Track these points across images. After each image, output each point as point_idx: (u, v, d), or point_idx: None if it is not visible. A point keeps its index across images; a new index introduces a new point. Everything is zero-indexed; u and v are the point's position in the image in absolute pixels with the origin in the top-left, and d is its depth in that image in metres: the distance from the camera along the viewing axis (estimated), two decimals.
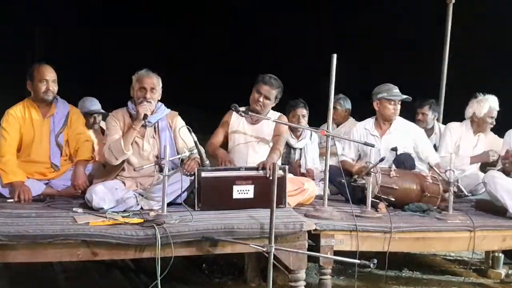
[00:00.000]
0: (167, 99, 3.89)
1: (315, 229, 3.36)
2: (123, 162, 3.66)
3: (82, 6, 14.51)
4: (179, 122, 3.85)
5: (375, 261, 2.90)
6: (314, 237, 3.41)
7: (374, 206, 3.84)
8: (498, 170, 4.23)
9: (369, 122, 4.62)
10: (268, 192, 2.91)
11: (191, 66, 15.01)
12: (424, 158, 4.55)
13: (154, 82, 3.71)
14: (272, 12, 15.61)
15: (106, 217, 3.18)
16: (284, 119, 4.18)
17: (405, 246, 3.65)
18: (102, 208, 3.34)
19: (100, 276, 4.12)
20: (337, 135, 4.29)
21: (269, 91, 4.03)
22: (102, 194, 3.39)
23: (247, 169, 3.70)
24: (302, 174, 4.57)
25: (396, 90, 4.45)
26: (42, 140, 3.88)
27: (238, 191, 3.59)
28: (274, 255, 2.94)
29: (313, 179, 4.45)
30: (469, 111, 4.96)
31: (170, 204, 3.41)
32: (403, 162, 4.31)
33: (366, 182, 3.72)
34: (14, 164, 3.74)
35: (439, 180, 4.07)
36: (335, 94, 5.20)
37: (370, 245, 3.49)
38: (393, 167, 4.12)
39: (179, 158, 3.54)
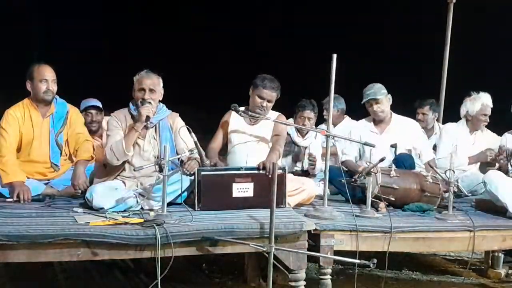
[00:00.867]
0: (167, 99, 3.90)
1: (315, 229, 3.36)
2: (124, 162, 3.67)
3: (82, 6, 14.51)
4: (180, 123, 3.85)
5: (375, 261, 2.90)
6: (314, 237, 3.41)
7: (374, 206, 3.85)
8: (497, 169, 4.23)
9: (369, 120, 4.62)
10: (267, 189, 2.91)
11: (191, 66, 15.01)
12: (421, 154, 4.54)
13: (153, 83, 3.71)
14: (272, 12, 15.61)
15: (106, 217, 3.18)
16: (283, 118, 4.18)
17: (405, 246, 3.65)
18: (102, 208, 3.35)
19: (100, 276, 4.12)
20: (337, 135, 4.28)
21: (271, 95, 4.03)
22: (102, 194, 3.40)
23: (247, 169, 3.70)
24: (304, 174, 4.58)
25: (369, 91, 4.40)
26: (42, 140, 3.88)
27: (237, 189, 3.60)
28: (274, 255, 2.95)
29: (314, 166, 4.48)
30: (463, 110, 4.98)
31: (170, 204, 3.42)
32: (403, 161, 4.31)
33: (366, 182, 3.72)
34: (14, 164, 3.74)
35: (438, 179, 4.07)
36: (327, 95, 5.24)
37: (370, 245, 3.49)
38: (393, 167, 4.12)
39: (179, 159, 3.55)
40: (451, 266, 4.83)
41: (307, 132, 4.76)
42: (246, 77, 4.31)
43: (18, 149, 3.84)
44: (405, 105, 4.65)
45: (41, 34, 14.50)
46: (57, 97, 3.98)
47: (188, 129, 3.67)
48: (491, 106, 4.90)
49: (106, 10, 14.85)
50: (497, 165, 4.32)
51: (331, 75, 3.52)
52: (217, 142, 4.17)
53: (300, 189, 3.90)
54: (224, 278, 4.24)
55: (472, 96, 4.92)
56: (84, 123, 4.22)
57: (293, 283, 3.32)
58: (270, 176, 3.37)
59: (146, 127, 3.70)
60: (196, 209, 3.52)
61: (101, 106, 4.63)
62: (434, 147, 5.01)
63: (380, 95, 4.40)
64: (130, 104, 3.78)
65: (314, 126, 4.80)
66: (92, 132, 4.49)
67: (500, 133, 4.74)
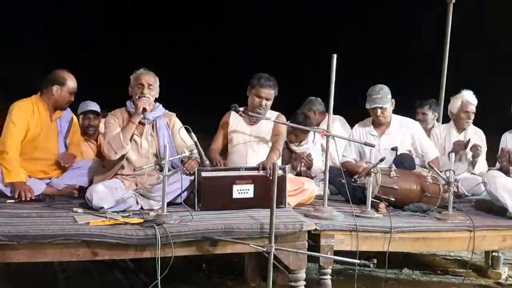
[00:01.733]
0: (168, 99, 3.90)
1: (315, 229, 3.36)
2: (122, 158, 3.66)
3: (82, 6, 14.52)
4: (177, 121, 3.88)
5: (375, 261, 2.90)
6: (314, 237, 3.41)
7: (374, 206, 3.84)
8: (498, 169, 4.23)
9: (368, 121, 4.62)
10: (268, 191, 2.91)
11: (191, 66, 15.01)
12: (423, 153, 4.54)
13: (151, 79, 3.74)
14: (272, 12, 15.61)
15: (106, 217, 3.19)
16: (283, 118, 4.18)
17: (405, 246, 3.64)
18: (102, 208, 3.35)
19: (100, 276, 4.12)
20: (337, 135, 4.28)
21: (269, 93, 4.04)
22: (102, 193, 3.40)
23: (247, 169, 3.70)
24: (302, 174, 4.57)
25: (375, 96, 4.38)
26: (49, 137, 3.92)
27: (238, 190, 3.60)
28: (274, 255, 2.94)
29: (311, 166, 4.49)
30: (448, 111, 5.03)
31: (170, 204, 3.41)
32: (403, 162, 4.31)
33: (366, 182, 3.72)
34: (17, 161, 3.74)
35: (439, 179, 4.07)
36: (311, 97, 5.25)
37: (370, 245, 3.49)
38: (393, 167, 4.12)
39: (179, 158, 3.55)
40: (451, 266, 4.83)
41: (301, 140, 4.73)
42: (246, 77, 4.31)
43: (22, 143, 3.82)
44: (405, 105, 4.64)
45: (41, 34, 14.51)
46: None
47: (188, 129, 3.68)
48: (474, 103, 4.92)
49: (106, 10, 14.85)
50: (497, 165, 4.31)
51: (331, 75, 3.52)
52: (218, 143, 4.18)
53: (300, 189, 3.90)
54: (224, 278, 4.24)
55: (455, 96, 4.95)
56: (80, 126, 4.35)
57: (293, 283, 3.32)
58: (270, 178, 3.37)
59: (142, 123, 3.70)
60: (196, 209, 3.52)
61: (99, 110, 4.64)
62: None
63: (386, 103, 4.40)
64: (128, 103, 3.80)
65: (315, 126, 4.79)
66: (88, 135, 4.51)
67: (500, 134, 4.73)
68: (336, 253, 3.39)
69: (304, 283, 3.34)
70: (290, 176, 3.95)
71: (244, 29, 15.49)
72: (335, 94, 3.58)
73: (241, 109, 4.05)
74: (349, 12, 14.96)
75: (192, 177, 3.62)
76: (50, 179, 3.89)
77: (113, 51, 14.44)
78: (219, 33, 15.67)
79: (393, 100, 4.47)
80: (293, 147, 4.71)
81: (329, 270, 3.44)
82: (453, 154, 3.90)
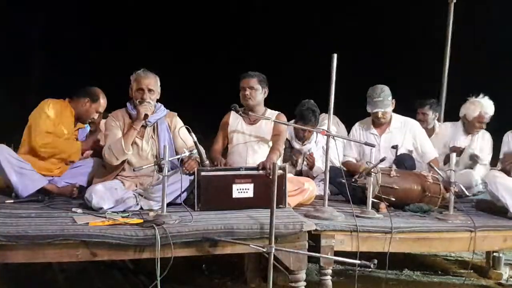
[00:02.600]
0: (167, 99, 3.89)
1: (316, 230, 3.35)
2: (123, 162, 3.65)
3: (82, 6, 14.52)
4: (178, 122, 3.86)
5: (376, 261, 2.89)
6: (314, 238, 3.40)
7: (375, 206, 3.83)
8: (498, 170, 4.22)
9: (368, 121, 4.61)
10: (267, 190, 2.90)
11: (191, 66, 15.01)
12: (423, 153, 4.53)
13: (151, 83, 3.71)
14: (272, 12, 15.61)
15: (105, 217, 3.18)
16: (283, 118, 4.17)
17: (406, 246, 3.63)
18: (101, 208, 3.34)
19: (99, 276, 4.11)
20: (338, 135, 4.27)
21: (249, 81, 4.07)
22: (101, 194, 3.39)
23: (247, 169, 3.69)
24: (302, 174, 4.56)
25: (376, 99, 4.36)
26: (71, 139, 4.04)
27: (237, 190, 3.59)
28: (274, 255, 2.93)
29: (313, 165, 4.47)
30: (461, 111, 4.98)
31: (169, 204, 3.41)
32: (403, 162, 4.31)
33: (367, 182, 3.71)
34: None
35: (439, 179, 4.06)
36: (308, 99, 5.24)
37: (370, 246, 3.48)
38: (394, 167, 4.11)
39: (178, 159, 3.54)
40: (452, 267, 4.82)
41: (305, 140, 4.73)
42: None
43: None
44: (406, 105, 4.63)
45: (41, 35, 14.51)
46: None
47: (187, 128, 3.67)
48: (491, 113, 4.87)
49: (107, 9, 14.85)
50: (499, 165, 4.30)
51: (331, 75, 3.51)
52: (218, 143, 4.19)
53: (300, 189, 3.89)
54: (224, 278, 4.23)
55: (473, 100, 4.90)
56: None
57: (293, 284, 3.31)
58: (270, 176, 3.36)
59: (144, 126, 3.69)
60: (195, 209, 3.52)
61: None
62: None
63: (387, 107, 4.39)
64: (128, 104, 3.78)
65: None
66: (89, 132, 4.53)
67: (499, 134, 4.72)
68: (337, 253, 3.38)
69: (305, 283, 3.33)
70: (290, 176, 3.94)
71: (244, 29, 15.50)
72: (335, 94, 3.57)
73: (241, 109, 4.04)
74: (349, 12, 14.97)
75: (192, 177, 3.61)
76: (52, 177, 3.91)
77: (114, 51, 14.43)
78: (219, 33, 15.67)
79: (393, 100, 4.46)
80: (297, 146, 4.70)
81: (329, 271, 3.44)
82: (454, 154, 3.89)
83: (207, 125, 5.18)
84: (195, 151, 3.61)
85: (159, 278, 2.98)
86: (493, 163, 4.76)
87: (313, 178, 4.49)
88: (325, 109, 5.11)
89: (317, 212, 3.58)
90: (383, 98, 4.36)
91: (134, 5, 15.19)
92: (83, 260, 3.04)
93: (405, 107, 4.87)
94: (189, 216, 3.26)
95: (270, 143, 4.08)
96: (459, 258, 5.01)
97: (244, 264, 4.19)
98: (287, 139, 4.53)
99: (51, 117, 3.90)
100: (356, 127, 4.70)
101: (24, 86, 13.17)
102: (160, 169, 3.19)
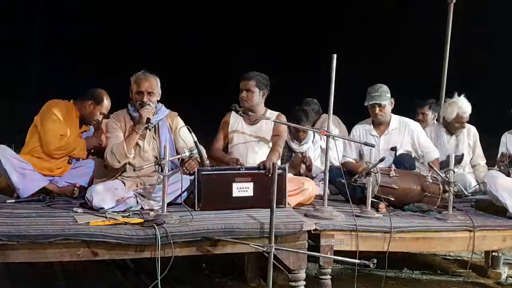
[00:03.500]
0: (167, 99, 3.90)
1: (315, 229, 3.36)
2: (125, 163, 3.67)
3: (82, 6, 14.53)
4: (179, 122, 3.86)
5: (375, 261, 2.90)
6: (314, 237, 3.41)
7: (374, 206, 3.85)
8: (497, 169, 4.24)
9: (368, 121, 4.62)
10: (267, 189, 2.91)
11: (191, 66, 15.01)
12: (424, 153, 4.53)
13: (151, 85, 3.71)
14: (272, 12, 15.62)
15: (106, 217, 3.19)
16: (283, 118, 4.18)
17: (405, 246, 3.64)
18: (102, 208, 3.35)
19: (100, 276, 4.12)
20: (338, 135, 4.28)
21: (247, 84, 4.07)
22: (102, 194, 3.40)
23: (247, 168, 3.71)
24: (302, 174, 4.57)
25: (374, 93, 4.39)
26: (77, 141, 4.04)
27: (237, 188, 3.60)
28: (274, 255, 2.95)
29: (311, 168, 4.49)
30: (441, 113, 5.04)
31: (170, 204, 3.42)
32: (403, 162, 4.32)
33: (366, 182, 3.73)
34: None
35: (438, 179, 4.07)
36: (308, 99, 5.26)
37: (370, 245, 3.49)
38: (393, 167, 4.12)
39: (179, 159, 3.55)
40: (451, 266, 4.83)
41: (302, 140, 4.74)
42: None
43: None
44: (405, 105, 4.64)
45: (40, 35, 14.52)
46: None
47: (188, 128, 3.68)
48: (469, 111, 4.92)
49: (107, 8, 14.86)
50: (495, 166, 4.31)
51: (331, 75, 3.52)
52: (219, 143, 4.19)
53: (300, 189, 3.90)
54: (224, 278, 4.24)
55: (451, 101, 4.95)
56: None
57: (293, 283, 3.32)
58: (270, 176, 3.37)
59: (146, 128, 3.71)
60: (196, 209, 3.53)
61: None
62: None
63: (384, 101, 4.40)
64: (129, 105, 3.78)
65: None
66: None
67: (499, 134, 4.73)
68: (336, 253, 3.40)
69: (304, 283, 3.34)
70: (290, 176, 3.95)
71: (244, 29, 15.50)
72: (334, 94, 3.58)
73: (241, 109, 4.05)
74: (348, 12, 14.97)
75: (192, 177, 3.62)
76: (53, 177, 3.92)
77: (114, 51, 14.44)
78: (219, 33, 15.68)
79: (392, 100, 4.47)
80: (294, 146, 4.71)
81: (329, 270, 3.45)
82: (453, 155, 3.91)
83: (207, 125, 5.19)
84: (195, 151, 3.62)
85: (159, 278, 2.99)
86: (491, 163, 4.77)
87: (312, 178, 4.50)
88: (326, 110, 5.16)
89: (317, 211, 3.59)
90: (381, 93, 4.39)
91: (134, 5, 15.20)
92: (84, 259, 3.04)
93: (405, 107, 4.89)
94: (190, 216, 3.27)
95: (270, 144, 4.10)
96: (458, 258, 5.02)
97: (244, 263, 4.20)
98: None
99: (61, 119, 3.91)
100: (356, 127, 4.71)
101: (24, 86, 13.20)
102: (161, 169, 3.21)
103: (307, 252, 3.32)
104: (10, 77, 11.74)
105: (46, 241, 2.86)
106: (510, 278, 4.48)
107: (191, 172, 3.63)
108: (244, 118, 4.16)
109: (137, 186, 3.67)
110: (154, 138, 3.78)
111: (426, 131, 5.04)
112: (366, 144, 3.86)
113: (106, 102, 4.09)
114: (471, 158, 5.07)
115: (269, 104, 4.26)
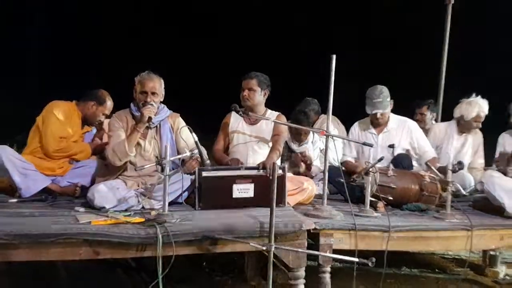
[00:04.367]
0: (168, 100, 3.93)
1: (315, 228, 3.39)
2: (125, 162, 3.70)
3: (82, 6, 14.53)
4: (181, 123, 3.89)
5: (374, 259, 2.92)
6: (313, 236, 3.44)
7: (373, 205, 3.87)
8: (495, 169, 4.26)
9: (367, 120, 4.65)
10: (268, 190, 2.94)
11: (191, 66, 15.02)
12: (421, 153, 4.55)
13: (155, 86, 3.74)
14: (272, 12, 15.62)
15: (108, 216, 3.21)
16: (283, 118, 4.21)
17: (404, 245, 3.67)
18: (104, 207, 3.38)
19: (102, 275, 4.15)
20: (337, 135, 4.31)
21: (249, 83, 4.11)
22: (104, 193, 3.42)
23: (247, 168, 3.73)
24: (302, 174, 4.60)
25: (375, 100, 4.38)
26: (79, 141, 4.09)
27: (238, 190, 3.63)
28: (274, 253, 2.97)
29: (311, 167, 4.51)
30: (457, 112, 5.00)
31: (171, 204, 3.45)
32: (401, 162, 4.34)
33: (365, 182, 3.75)
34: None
35: (436, 178, 4.10)
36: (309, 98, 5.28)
37: (368, 244, 3.52)
38: (391, 166, 4.15)
39: (179, 158, 3.57)
40: (449, 265, 4.86)
41: (302, 141, 4.76)
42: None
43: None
44: (404, 105, 4.66)
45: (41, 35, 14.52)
46: None
47: (189, 128, 3.70)
48: (486, 112, 4.92)
49: (107, 8, 14.87)
50: (493, 166, 4.34)
51: (330, 75, 3.54)
52: (220, 144, 4.22)
53: (300, 189, 3.93)
54: (224, 276, 4.27)
55: (469, 100, 4.92)
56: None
57: (292, 282, 3.35)
58: (270, 176, 3.40)
59: (148, 127, 3.73)
60: (196, 208, 3.56)
61: None
62: None
63: (386, 108, 4.41)
64: (131, 105, 3.81)
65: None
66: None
67: (497, 134, 4.76)
68: (335, 251, 3.42)
69: (304, 281, 3.36)
70: (289, 175, 3.98)
71: (244, 29, 15.51)
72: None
73: (242, 109, 4.08)
74: (348, 12, 14.98)
75: (193, 177, 3.65)
76: (55, 177, 3.95)
77: (116, 51, 14.45)
78: (219, 33, 15.68)
79: (392, 101, 4.49)
80: (294, 146, 4.74)
81: (328, 269, 3.47)
82: (452, 155, 3.94)
83: (207, 125, 5.21)
84: (196, 151, 3.65)
85: (160, 276, 3.01)
86: (489, 163, 4.79)
87: (311, 177, 4.53)
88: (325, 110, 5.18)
89: (316, 211, 3.62)
90: (382, 99, 4.39)
91: (134, 6, 15.21)
92: (86, 258, 3.06)
93: (404, 107, 4.90)
94: (190, 215, 3.30)
95: (270, 144, 4.12)
96: (456, 257, 5.05)
97: (245, 262, 4.23)
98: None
99: (62, 120, 3.94)
100: (355, 126, 4.73)
101: (24, 87, 13.20)
102: (162, 169, 3.23)
103: (307, 251, 3.34)
104: (10, 77, 11.75)
105: (48, 240, 2.88)
106: (508, 277, 4.51)
107: (192, 172, 3.65)
108: (244, 118, 4.19)
109: (138, 186, 3.69)
110: (155, 138, 3.80)
111: (435, 128, 5.04)
112: (365, 144, 3.89)
113: (109, 103, 4.13)
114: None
115: (269, 104, 4.29)
